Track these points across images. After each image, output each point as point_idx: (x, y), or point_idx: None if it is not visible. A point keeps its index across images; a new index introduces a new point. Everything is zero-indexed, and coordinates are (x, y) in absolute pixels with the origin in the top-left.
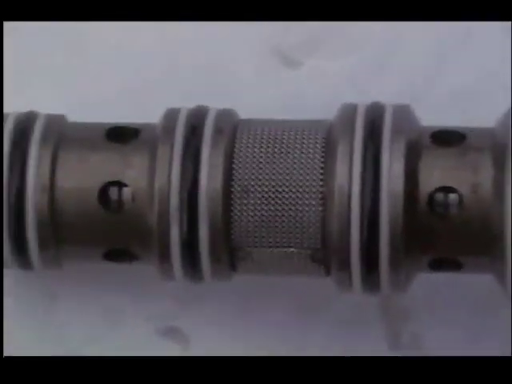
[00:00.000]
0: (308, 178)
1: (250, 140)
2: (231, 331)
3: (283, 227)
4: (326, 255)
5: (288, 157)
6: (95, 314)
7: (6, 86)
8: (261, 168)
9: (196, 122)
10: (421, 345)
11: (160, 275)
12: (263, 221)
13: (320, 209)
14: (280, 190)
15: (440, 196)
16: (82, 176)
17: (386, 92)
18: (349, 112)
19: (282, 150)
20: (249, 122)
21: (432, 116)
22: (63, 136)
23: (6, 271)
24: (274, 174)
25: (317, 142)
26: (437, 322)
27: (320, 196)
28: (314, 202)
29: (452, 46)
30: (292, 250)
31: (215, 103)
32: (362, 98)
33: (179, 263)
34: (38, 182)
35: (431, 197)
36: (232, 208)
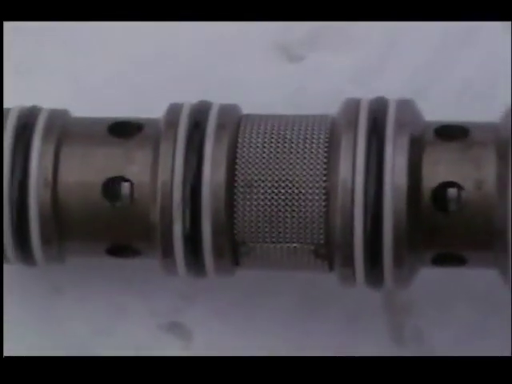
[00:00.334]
0: (311, 172)
1: (253, 135)
2: (234, 326)
3: (286, 222)
4: (330, 250)
5: (291, 152)
6: (98, 309)
7: (7, 83)
8: (264, 163)
9: (199, 117)
10: (423, 339)
11: (163, 270)
12: (266, 216)
13: (323, 204)
14: (283, 185)
15: (444, 191)
16: (84, 171)
17: (389, 87)
18: (352, 107)
19: (285, 144)
20: (252, 117)
21: (434, 111)
22: (66, 131)
23: (9, 266)
24: (277, 169)
25: (320, 137)
26: (439, 317)
27: (323, 191)
28: (317, 197)
29: (454, 42)
30: (295, 245)
31: (219, 98)
32: (365, 93)
33: (182, 258)
34: (40, 176)
35: (435, 192)
36: (235, 203)
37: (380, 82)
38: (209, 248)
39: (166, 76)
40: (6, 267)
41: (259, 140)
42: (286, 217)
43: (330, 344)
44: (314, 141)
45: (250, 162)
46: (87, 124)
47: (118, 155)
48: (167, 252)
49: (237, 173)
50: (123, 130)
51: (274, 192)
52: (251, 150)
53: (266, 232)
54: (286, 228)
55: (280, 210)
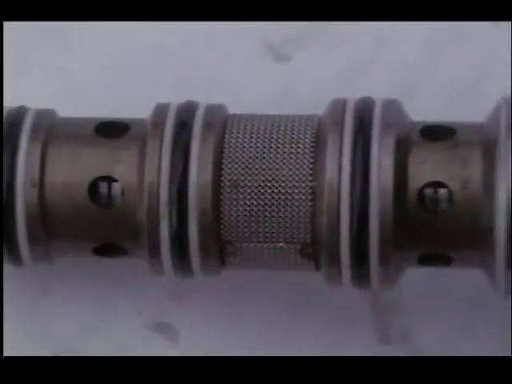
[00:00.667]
0: (298, 172)
1: (240, 135)
2: (221, 327)
3: (273, 222)
4: (316, 250)
5: (278, 151)
6: (85, 308)
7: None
8: (250, 163)
9: (185, 117)
10: (410, 339)
11: (150, 270)
12: (253, 215)
13: (310, 203)
14: (269, 184)
15: (430, 191)
16: (71, 171)
17: (376, 87)
18: (338, 107)
19: (272, 144)
20: (238, 116)
21: (422, 111)
22: (53, 131)
23: None
24: (263, 169)
25: (306, 137)
26: (426, 316)
27: (310, 191)
28: (303, 197)
29: (442, 42)
30: (281, 244)
31: (206, 98)
32: (353, 93)
33: (169, 258)
34: (27, 176)
35: (421, 192)
36: (221, 203)
37: (367, 81)
38: (195, 248)
39: (154, 75)
40: None
41: (246, 140)
42: (273, 216)
43: (316, 344)
44: (301, 141)
45: (236, 162)
46: (74, 124)
47: (105, 155)
48: (154, 252)
49: (223, 173)
50: (110, 130)
51: (260, 192)
52: (238, 149)
53: (253, 232)
54: (273, 227)
55: (266, 210)
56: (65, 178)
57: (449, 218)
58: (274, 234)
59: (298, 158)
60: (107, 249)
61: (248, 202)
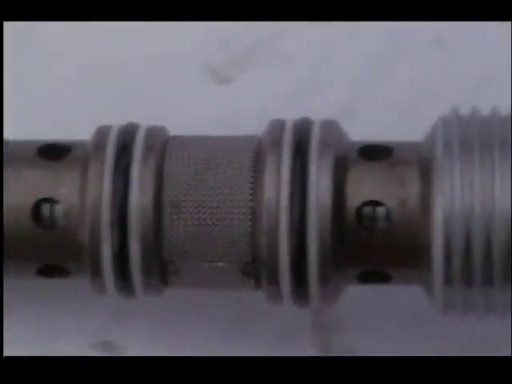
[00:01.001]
0: (237, 192)
1: (180, 156)
2: (164, 345)
3: (213, 241)
4: (257, 269)
5: (217, 172)
6: (29, 328)
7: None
8: (190, 184)
9: (126, 139)
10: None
11: (93, 290)
12: (193, 235)
13: (249, 223)
14: (209, 205)
15: (368, 210)
16: (14, 193)
17: (318, 108)
18: (277, 127)
19: (211, 165)
20: (179, 138)
21: (362, 132)
22: None
23: None
24: (203, 190)
25: (246, 157)
26: (369, 334)
27: (249, 210)
28: (243, 217)
29: (381, 60)
30: (222, 264)
31: (147, 120)
32: (294, 113)
33: (111, 279)
34: None
35: (359, 210)
36: (162, 223)
37: (308, 103)
38: (137, 268)
39: (96, 98)
40: None
41: (185, 161)
42: (213, 236)
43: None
44: (240, 161)
45: (176, 183)
46: (16, 146)
47: (48, 177)
48: (96, 272)
49: (164, 194)
50: (52, 152)
51: (200, 212)
52: (178, 170)
53: (194, 251)
54: (213, 247)
55: (207, 230)
56: (8, 200)
57: (387, 236)
58: (215, 254)
59: (237, 178)
60: (51, 270)
61: (189, 222)
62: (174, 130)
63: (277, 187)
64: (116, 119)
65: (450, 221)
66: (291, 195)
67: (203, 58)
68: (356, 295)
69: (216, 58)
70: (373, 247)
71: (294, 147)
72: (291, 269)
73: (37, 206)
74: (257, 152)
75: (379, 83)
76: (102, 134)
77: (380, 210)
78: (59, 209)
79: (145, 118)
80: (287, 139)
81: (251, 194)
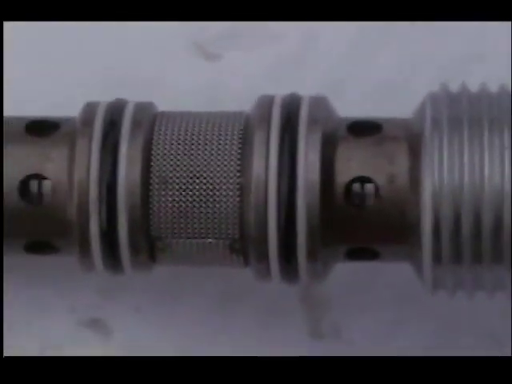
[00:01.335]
0: (225, 168)
1: (168, 132)
2: (154, 322)
3: (201, 218)
4: (245, 246)
5: (205, 148)
6: (18, 305)
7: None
8: (178, 159)
9: (114, 115)
10: (341, 333)
11: (81, 267)
12: (181, 212)
13: (238, 199)
14: (197, 181)
15: (357, 186)
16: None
17: (306, 84)
18: (265, 103)
19: (200, 141)
20: (167, 114)
21: (351, 108)
22: None
23: None
24: (191, 166)
25: (234, 133)
26: (358, 311)
27: (237, 187)
28: (231, 193)
29: (370, 40)
30: (210, 240)
31: (135, 96)
32: (282, 91)
33: (99, 255)
34: None
35: (348, 187)
36: (150, 199)
37: (297, 79)
38: (125, 244)
39: (83, 74)
40: None
41: (174, 137)
42: (201, 212)
43: (248, 338)
44: (228, 137)
45: (164, 159)
46: (5, 123)
47: (35, 154)
48: (84, 249)
49: (152, 169)
50: (40, 128)
51: (188, 188)
52: (166, 146)
53: (182, 228)
54: (201, 223)
55: (195, 206)
56: None
57: (375, 212)
58: (203, 230)
59: (225, 154)
60: (39, 246)
61: (177, 199)
62: (162, 107)
63: (265, 163)
64: (103, 95)
65: (438, 197)
66: (279, 171)
67: (190, 34)
68: (345, 273)
69: (203, 34)
70: (361, 224)
71: (282, 123)
72: (279, 245)
73: (25, 182)
74: (245, 128)
75: (367, 59)
76: (89, 110)
77: (369, 187)
78: (47, 185)
79: (133, 94)
80: (276, 115)
81: (239, 170)
